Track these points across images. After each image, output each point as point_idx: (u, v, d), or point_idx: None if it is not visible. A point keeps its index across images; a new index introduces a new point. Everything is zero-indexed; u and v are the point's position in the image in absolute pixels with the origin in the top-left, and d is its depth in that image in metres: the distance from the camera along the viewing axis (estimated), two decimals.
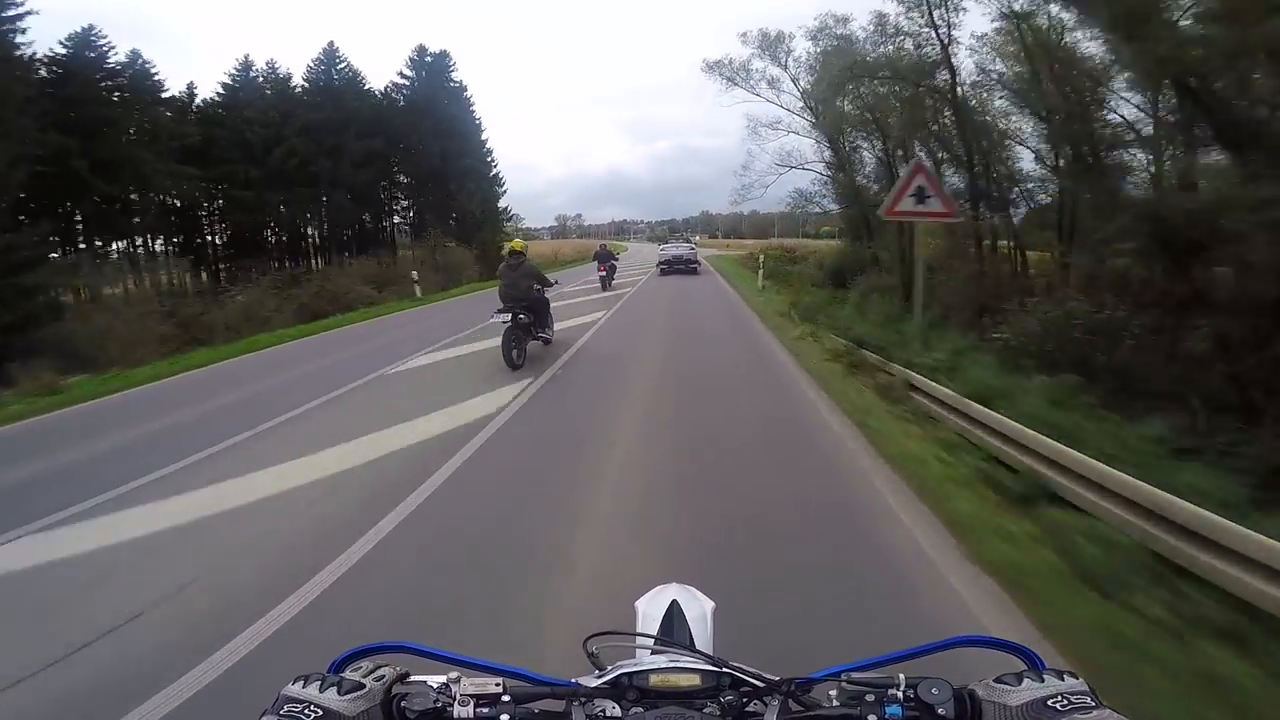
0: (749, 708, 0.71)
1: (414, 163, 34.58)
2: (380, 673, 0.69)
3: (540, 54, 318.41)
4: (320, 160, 29.58)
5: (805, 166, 23.93)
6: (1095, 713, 0.58)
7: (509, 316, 7.54)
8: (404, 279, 23.73)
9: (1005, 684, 0.64)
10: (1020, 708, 0.61)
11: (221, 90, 30.71)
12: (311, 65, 33.06)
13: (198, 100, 29.81)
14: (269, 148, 29.06)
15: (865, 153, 23.04)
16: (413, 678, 0.71)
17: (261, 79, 31.51)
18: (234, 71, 31.11)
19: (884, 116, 19.34)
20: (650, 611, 1.08)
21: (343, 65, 33.67)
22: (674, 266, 24.67)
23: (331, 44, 33.51)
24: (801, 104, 22.97)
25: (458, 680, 0.71)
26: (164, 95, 27.04)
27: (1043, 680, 0.63)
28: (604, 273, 18.98)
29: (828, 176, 24.06)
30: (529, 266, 8.24)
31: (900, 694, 0.68)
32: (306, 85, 32.53)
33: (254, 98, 30.53)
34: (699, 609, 1.08)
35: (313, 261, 32.95)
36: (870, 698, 0.68)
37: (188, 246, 29.31)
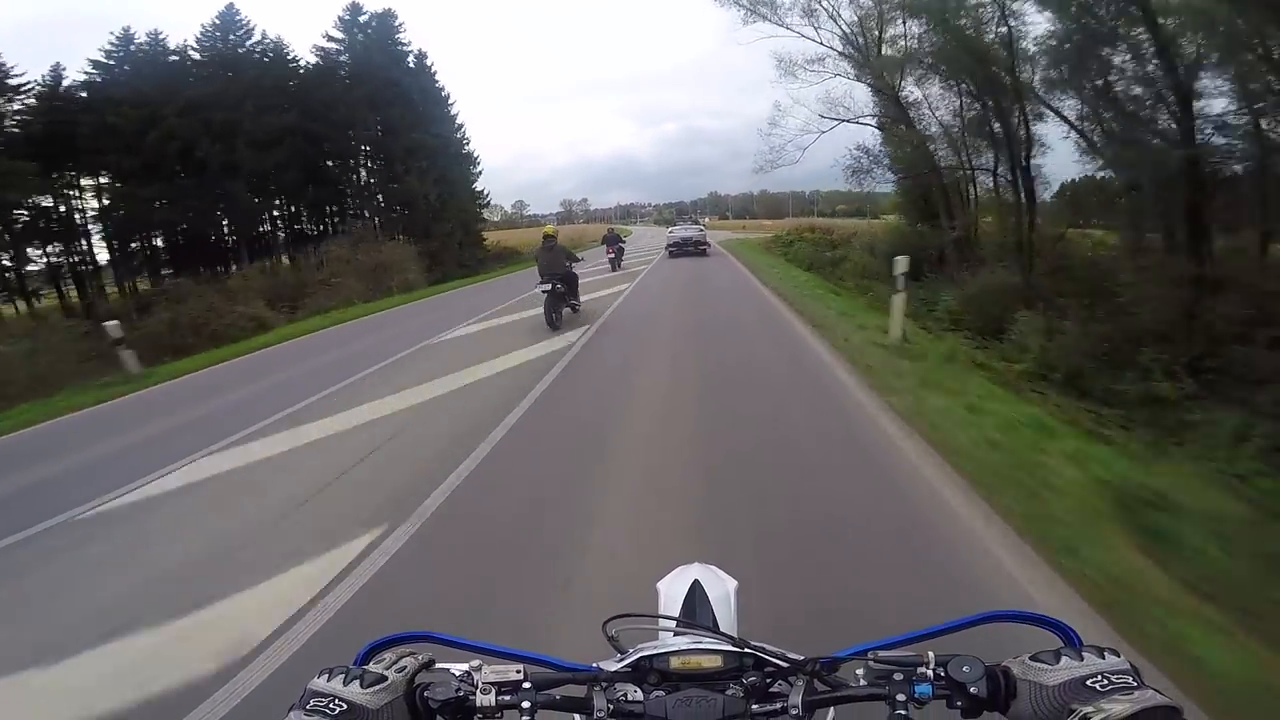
0: (773, 688, 0.70)
1: (344, 140, 27.69)
2: (403, 663, 0.68)
3: (540, 40, 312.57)
4: (205, 143, 22.86)
5: (860, 120, 17.08)
6: (1137, 693, 0.55)
7: (549, 287, 9.07)
8: (323, 289, 18.99)
9: (1042, 662, 0.61)
10: (1058, 687, 0.58)
11: (92, 68, 24.20)
12: (205, 30, 26.33)
13: (66, 83, 23.29)
14: (142, 131, 22.48)
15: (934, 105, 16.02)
16: (436, 666, 0.70)
17: (143, 53, 24.80)
18: (110, 46, 24.56)
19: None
20: (672, 592, 1.07)
21: (245, 28, 26.81)
22: (683, 249, 23.61)
23: (231, 4, 26.54)
24: (843, 43, 16.27)
25: (479, 668, 0.69)
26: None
27: (1081, 658, 0.60)
28: (613, 255, 19.51)
29: (882, 135, 17.27)
30: (561, 247, 9.76)
31: (930, 672, 0.65)
32: (198, 56, 25.83)
33: (133, 75, 23.92)
34: (721, 589, 1.07)
35: (228, 269, 26.50)
36: (899, 676, 0.65)
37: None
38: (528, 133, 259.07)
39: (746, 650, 0.70)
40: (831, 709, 0.69)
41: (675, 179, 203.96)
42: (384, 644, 0.71)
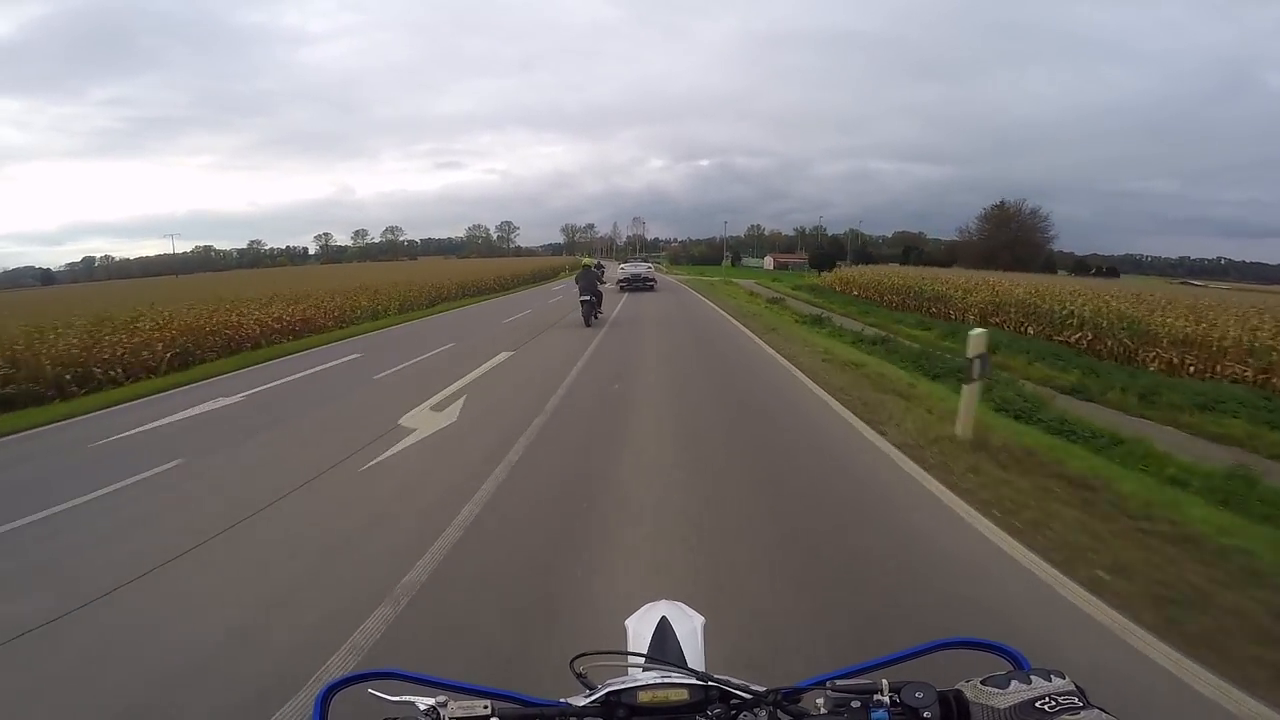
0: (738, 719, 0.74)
1: None
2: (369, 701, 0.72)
3: (582, 69, 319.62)
4: None
5: None
6: (1084, 713, 0.58)
7: (587, 298, 14.34)
8: None
9: (993, 686, 0.64)
10: (1008, 710, 0.61)
11: None
12: None
13: None
14: None
15: None
16: (402, 698, 0.71)
17: None
18: None
19: None
20: (640, 630, 1.10)
21: None
22: (633, 284, 27.99)
23: None
24: None
25: (445, 704, 0.71)
26: None
27: (1030, 681, 0.63)
28: (588, 300, 14.85)
29: None
30: (595, 274, 14.89)
31: (885, 698, 0.68)
32: None
33: None
34: (689, 625, 1.11)
35: None
36: (856, 704, 0.69)
37: None
38: (563, 160, 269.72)
39: (711, 684, 0.74)
40: None
41: (708, 215, 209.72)
42: (347, 680, 0.71)
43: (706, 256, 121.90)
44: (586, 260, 16.40)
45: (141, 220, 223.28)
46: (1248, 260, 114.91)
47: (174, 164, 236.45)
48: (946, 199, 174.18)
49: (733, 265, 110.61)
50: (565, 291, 24.78)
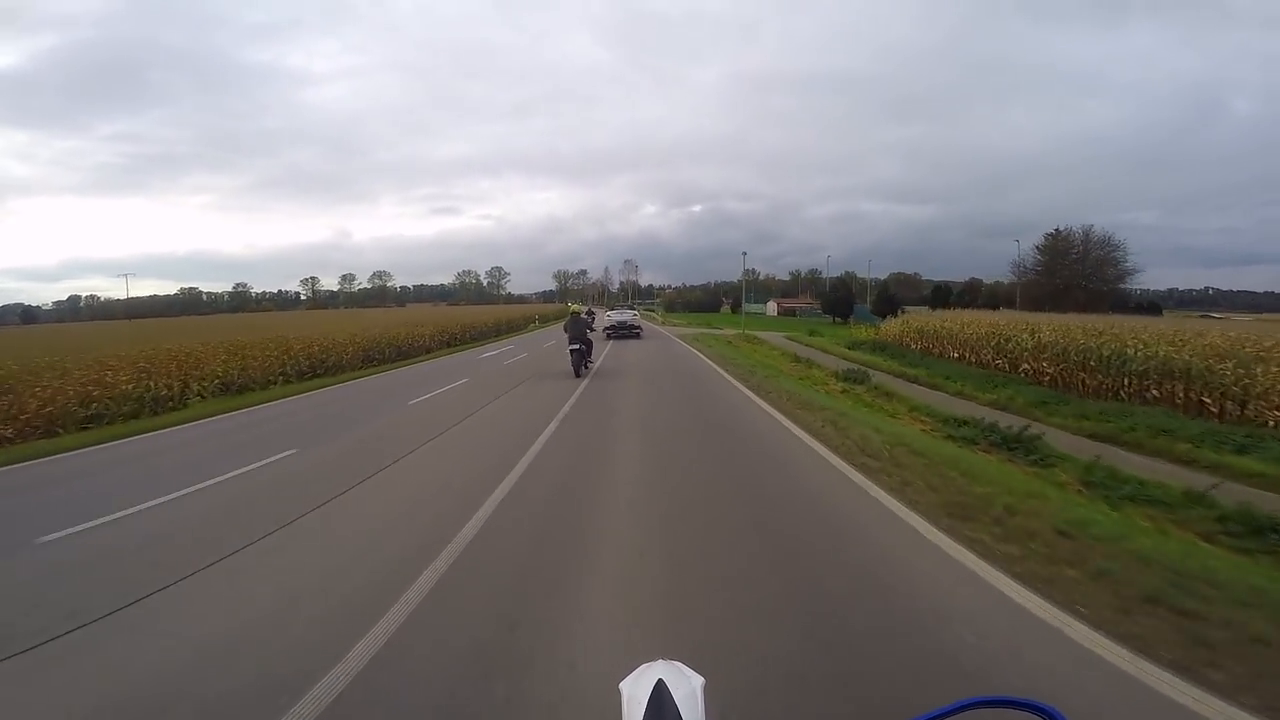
0: None
1: None
2: None
3: (574, 115, 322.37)
4: None
5: None
6: None
7: (576, 347, 14.04)
8: None
9: None
10: None
11: None
12: None
13: None
14: None
15: None
16: None
17: None
18: None
19: None
20: (635, 694, 1.04)
21: None
22: (618, 331, 28.53)
23: None
24: None
25: None
26: None
27: None
28: (578, 349, 14.52)
29: None
30: (583, 319, 14.94)
31: None
32: None
33: None
34: (687, 687, 1.04)
35: None
36: None
37: None
38: (558, 205, 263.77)
39: None
40: None
41: (701, 261, 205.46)
42: None
43: (703, 302, 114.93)
44: (575, 306, 15.97)
45: (140, 259, 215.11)
46: (1235, 289, 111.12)
47: (174, 203, 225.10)
48: (933, 237, 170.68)
49: (732, 312, 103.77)
50: (533, 345, 24.01)
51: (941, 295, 67.26)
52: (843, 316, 72.76)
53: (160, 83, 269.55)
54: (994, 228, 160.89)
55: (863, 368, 17.17)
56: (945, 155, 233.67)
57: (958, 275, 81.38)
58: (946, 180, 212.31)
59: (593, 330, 15.87)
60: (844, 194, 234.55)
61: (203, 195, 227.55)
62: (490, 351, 24.47)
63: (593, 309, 43.50)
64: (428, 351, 25.45)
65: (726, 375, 14.61)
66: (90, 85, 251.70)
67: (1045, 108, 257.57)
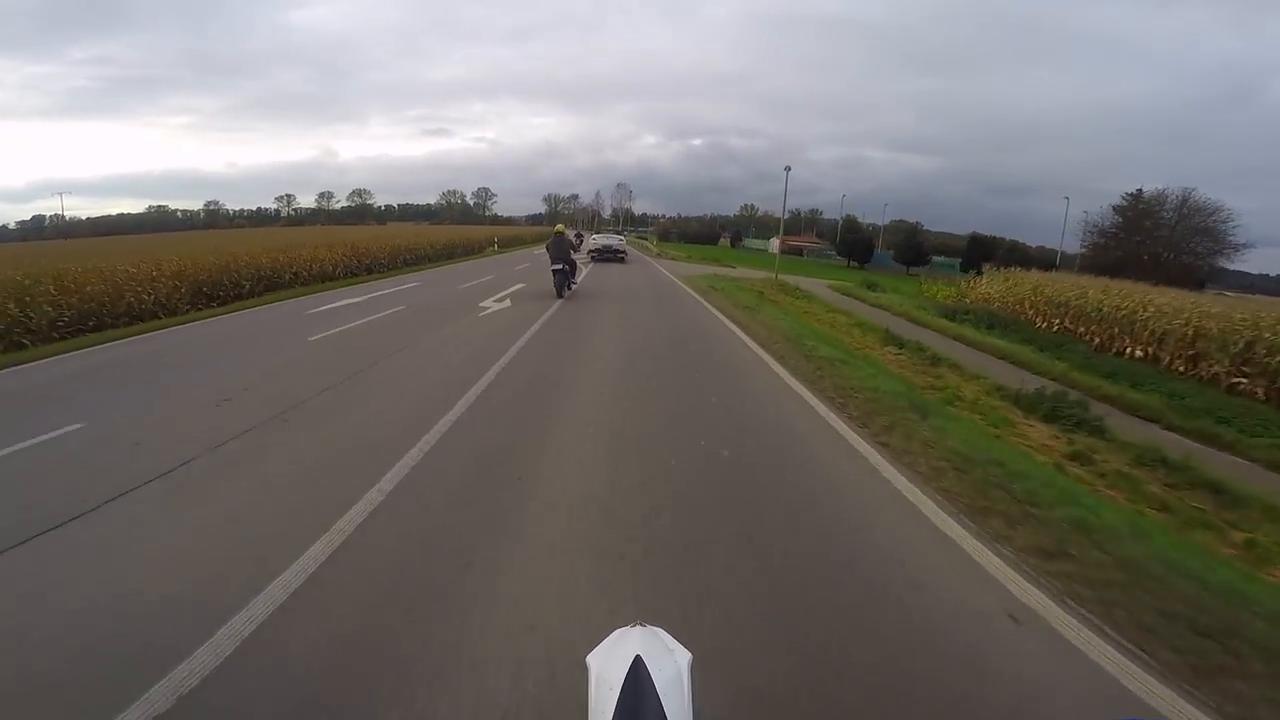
0: None
1: None
2: None
3: (580, 42, 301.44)
4: None
5: None
6: None
7: (559, 267, 13.51)
8: None
9: None
10: None
11: None
12: None
13: None
14: None
15: None
16: None
17: None
18: None
19: None
20: (607, 673, 0.83)
21: None
22: (603, 255, 27.40)
23: None
24: None
25: None
26: None
27: None
28: (560, 269, 13.83)
29: None
30: (567, 240, 13.98)
31: None
32: None
33: None
34: (672, 668, 0.84)
35: None
36: None
37: None
38: (554, 132, 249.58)
39: None
40: None
41: (697, 194, 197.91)
42: None
43: (700, 234, 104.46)
44: (560, 227, 14.34)
45: (115, 179, 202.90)
46: (1237, 269, 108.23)
47: (154, 124, 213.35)
48: (937, 190, 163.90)
49: (731, 246, 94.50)
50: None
51: (980, 248, 57.98)
52: (859, 261, 63.72)
53: (138, 6, 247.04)
54: (1001, 186, 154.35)
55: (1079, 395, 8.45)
56: (960, 111, 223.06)
57: (957, 230, 74.86)
58: (957, 135, 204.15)
59: (577, 252, 15.45)
60: (850, 140, 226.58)
61: (183, 116, 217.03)
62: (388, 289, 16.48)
63: (581, 233, 42.41)
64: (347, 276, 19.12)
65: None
66: (62, 9, 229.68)
67: (1073, 74, 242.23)
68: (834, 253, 78.07)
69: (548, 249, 13.83)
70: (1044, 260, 59.79)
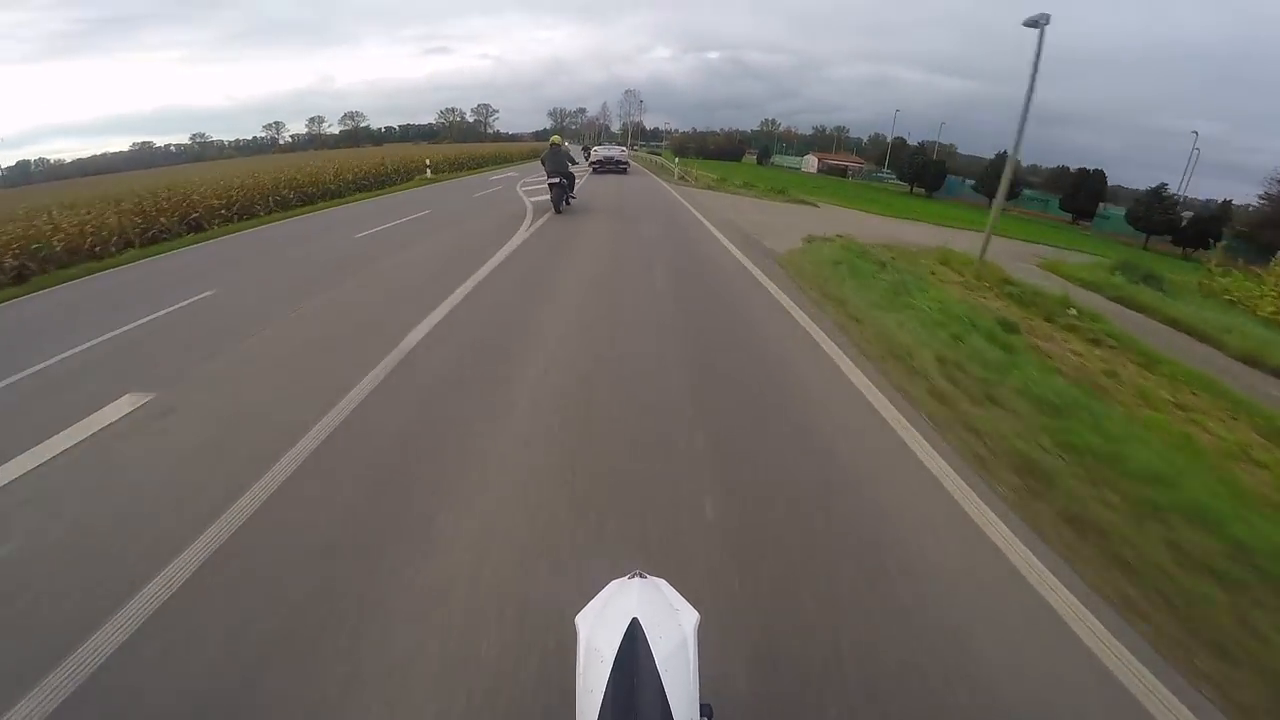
0: None
1: None
2: None
3: None
4: None
5: None
6: None
7: (556, 181, 12.24)
8: None
9: None
10: None
11: None
12: None
13: None
14: None
15: None
16: None
17: None
18: None
19: None
20: (597, 642, 0.72)
21: None
22: (605, 166, 26.51)
23: None
24: None
25: None
26: None
27: None
28: (555, 184, 12.48)
29: None
30: (564, 152, 12.42)
31: None
32: None
33: None
34: (675, 635, 0.72)
35: None
36: None
37: None
38: (562, 46, 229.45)
39: None
40: None
41: (713, 110, 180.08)
42: None
43: (723, 150, 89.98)
44: (555, 138, 12.96)
45: (107, 120, 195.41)
46: None
47: (141, 61, 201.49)
48: (969, 116, 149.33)
49: (758, 164, 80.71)
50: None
51: (1085, 185, 44.62)
52: (927, 188, 50.97)
53: None
54: (1040, 115, 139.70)
55: None
56: (1004, 36, 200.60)
57: (985, 152, 64.88)
58: (998, 61, 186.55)
59: (575, 164, 13.50)
60: (881, 58, 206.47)
61: (170, 51, 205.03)
62: None
63: (589, 147, 39.21)
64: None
65: None
66: None
67: (1131, 4, 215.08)
68: (887, 175, 64.71)
69: (543, 162, 12.72)
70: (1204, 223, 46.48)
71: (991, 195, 47.29)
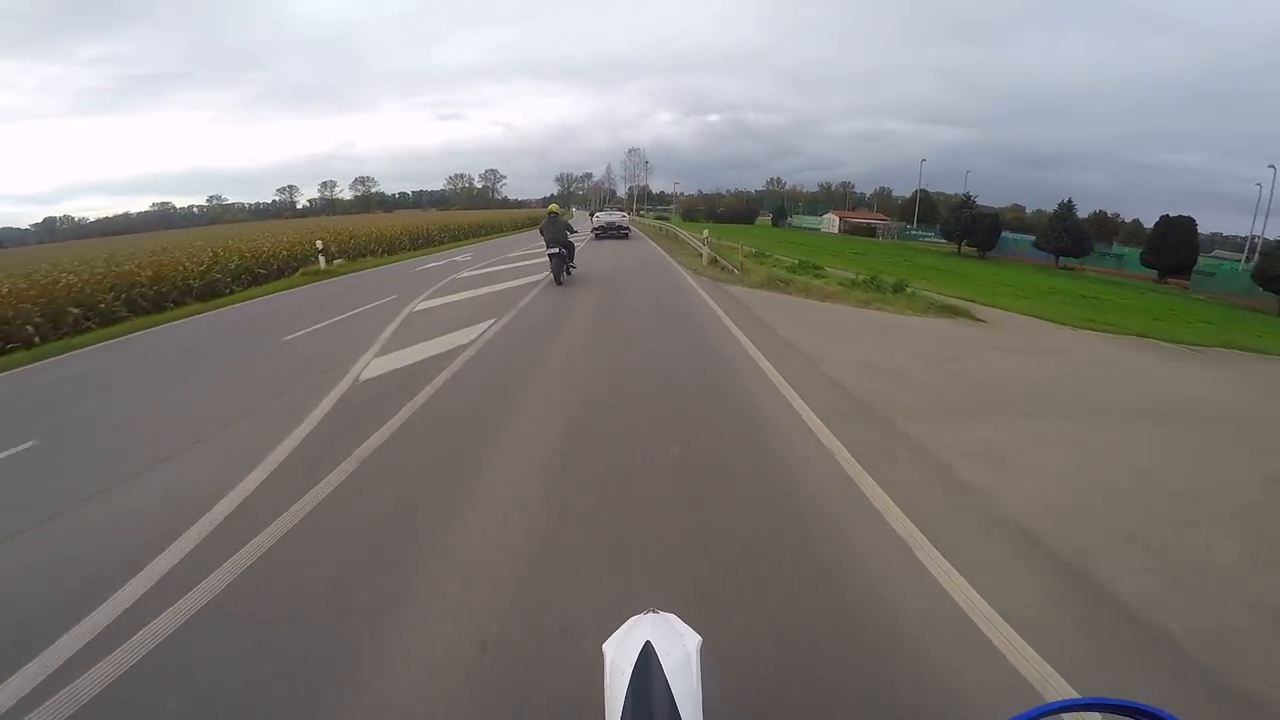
0: None
1: None
2: None
3: (588, 19, 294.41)
4: None
5: None
6: None
7: (555, 251, 11.90)
8: None
9: None
10: None
11: None
12: None
13: None
14: None
15: None
16: None
17: None
18: None
19: None
20: (619, 659, 0.93)
21: None
22: (607, 232, 27.48)
23: None
24: None
25: None
26: None
27: None
28: (556, 255, 12.07)
29: None
30: (562, 221, 12.33)
31: None
32: None
33: None
34: (680, 651, 0.93)
35: None
36: None
37: None
38: (568, 112, 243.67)
39: None
40: None
41: (715, 172, 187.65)
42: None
43: (735, 211, 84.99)
44: (553, 207, 12.99)
45: (138, 178, 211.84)
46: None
47: (171, 121, 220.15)
48: (964, 163, 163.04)
49: (774, 225, 75.23)
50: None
51: (1174, 234, 37.43)
52: (980, 248, 44.00)
53: (139, 3, 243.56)
54: (1030, 157, 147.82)
55: None
56: (989, 82, 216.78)
57: (990, 202, 63.23)
58: (986, 107, 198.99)
59: (574, 232, 13.60)
60: (872, 112, 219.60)
61: (199, 112, 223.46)
62: None
63: (595, 213, 38.19)
64: None
65: None
66: (63, 10, 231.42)
67: (1108, 44, 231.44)
68: (920, 232, 58.14)
69: (541, 231, 12.51)
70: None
71: (1059, 253, 39.38)
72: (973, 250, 44.04)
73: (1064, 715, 0.68)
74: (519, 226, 42.17)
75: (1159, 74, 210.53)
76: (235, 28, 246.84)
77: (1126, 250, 42.71)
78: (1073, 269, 40.34)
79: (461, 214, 54.89)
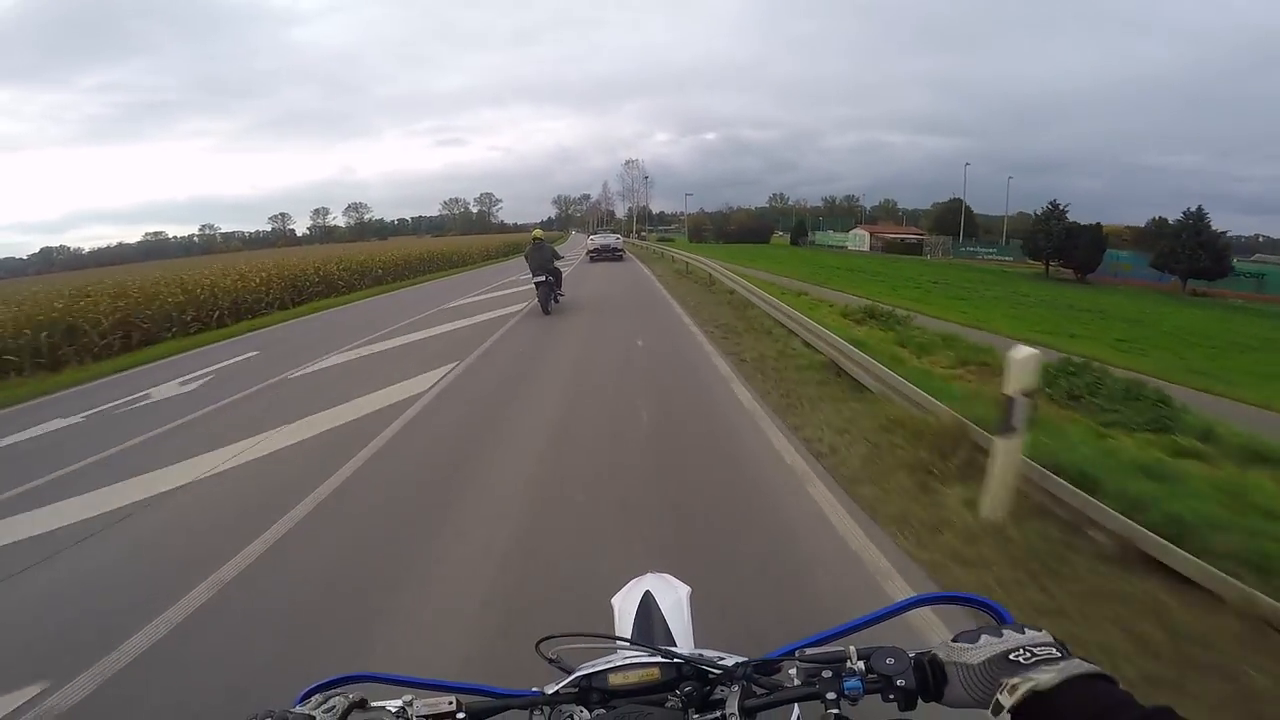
0: (713, 696, 0.70)
1: None
2: (332, 704, 0.66)
3: (584, 40, 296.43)
4: None
5: None
6: (1063, 663, 0.52)
7: (541, 278, 11.51)
8: None
9: (964, 642, 0.59)
10: (981, 665, 0.56)
11: None
12: None
13: None
14: None
15: None
16: (371, 704, 0.68)
17: None
18: None
19: None
20: (625, 607, 1.09)
21: None
22: (601, 254, 27.47)
23: None
24: None
25: (411, 703, 0.69)
26: None
27: (1002, 634, 0.58)
28: (542, 280, 11.79)
29: None
30: (548, 248, 12.00)
31: (856, 666, 0.63)
32: None
33: None
34: (674, 597, 1.09)
35: None
36: (828, 674, 0.64)
37: None
38: (566, 135, 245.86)
39: (678, 660, 0.71)
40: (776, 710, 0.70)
41: (714, 190, 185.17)
42: (323, 686, 0.69)
43: (749, 229, 76.34)
44: (536, 233, 13.16)
45: (140, 207, 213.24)
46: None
47: (173, 149, 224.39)
48: (960, 172, 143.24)
49: (792, 244, 66.56)
50: None
51: None
52: (1078, 269, 34.82)
53: (139, 31, 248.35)
54: (1026, 164, 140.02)
55: None
56: (979, 89, 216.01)
57: (990, 211, 66.93)
58: (978, 115, 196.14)
59: (560, 258, 13.07)
60: (866, 124, 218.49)
61: (202, 140, 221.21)
62: None
63: (592, 235, 37.27)
64: None
65: None
66: (64, 38, 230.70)
67: (1094, 47, 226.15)
68: (974, 248, 49.03)
69: (526, 259, 12.26)
70: None
71: (1186, 275, 29.16)
72: (1066, 271, 34.77)
73: (915, 610, 0.71)
74: (510, 253, 34.72)
75: (1147, 75, 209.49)
76: (235, 56, 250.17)
77: (1268, 268, 33.15)
78: (1205, 294, 30.81)
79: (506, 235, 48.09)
